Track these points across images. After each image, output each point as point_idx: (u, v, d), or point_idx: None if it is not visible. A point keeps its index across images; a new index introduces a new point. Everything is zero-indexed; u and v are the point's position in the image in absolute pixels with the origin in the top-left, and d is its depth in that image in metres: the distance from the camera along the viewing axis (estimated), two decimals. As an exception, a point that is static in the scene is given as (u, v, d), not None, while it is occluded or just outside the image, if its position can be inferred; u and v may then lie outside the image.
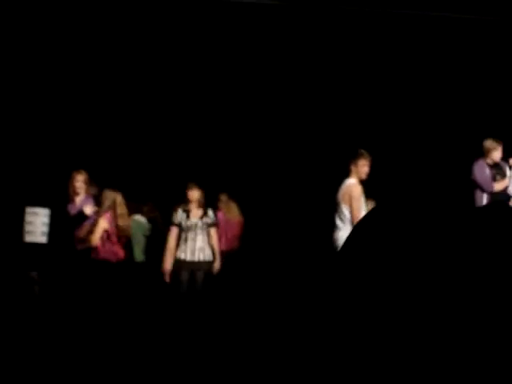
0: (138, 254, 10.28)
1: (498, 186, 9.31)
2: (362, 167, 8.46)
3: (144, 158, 11.49)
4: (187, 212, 9.04)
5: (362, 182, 8.45)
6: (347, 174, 8.44)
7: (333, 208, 8.44)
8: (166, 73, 11.34)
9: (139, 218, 10.42)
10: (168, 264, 9.00)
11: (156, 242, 10.08)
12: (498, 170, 9.36)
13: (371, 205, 9.15)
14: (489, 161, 9.39)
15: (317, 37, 10.99)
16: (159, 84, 11.42)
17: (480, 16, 10.51)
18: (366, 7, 10.49)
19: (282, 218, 11.21)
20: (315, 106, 11.49)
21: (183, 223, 9.02)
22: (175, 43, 11.06)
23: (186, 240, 9.01)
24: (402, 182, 10.67)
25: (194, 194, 9.04)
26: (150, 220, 10.54)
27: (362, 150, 8.56)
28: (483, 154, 9.39)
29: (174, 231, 9.05)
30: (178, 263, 8.98)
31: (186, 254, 9.00)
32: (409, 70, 11.20)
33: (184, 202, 9.13)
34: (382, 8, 10.40)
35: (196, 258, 8.99)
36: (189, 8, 10.62)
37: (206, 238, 9.03)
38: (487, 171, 9.35)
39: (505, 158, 9.47)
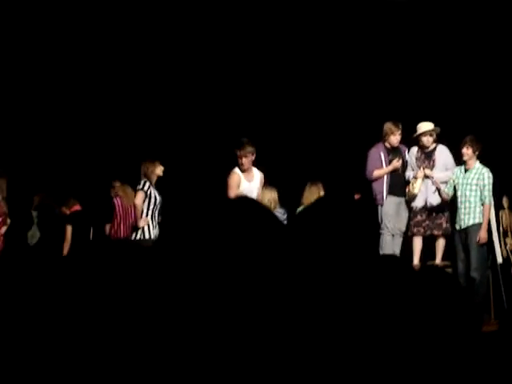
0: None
1: (380, 172, 9.27)
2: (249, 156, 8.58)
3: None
4: None
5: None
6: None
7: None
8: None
9: None
10: None
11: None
12: (394, 155, 9.32)
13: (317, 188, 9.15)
14: (386, 144, 9.35)
15: None
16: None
17: None
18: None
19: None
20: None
21: None
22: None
23: None
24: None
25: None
26: (40, 209, 10.41)
27: (245, 139, 8.62)
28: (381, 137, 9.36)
29: None
30: None
31: None
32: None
33: None
34: None
35: None
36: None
37: None
38: (381, 156, 9.29)
39: (406, 142, 9.41)
